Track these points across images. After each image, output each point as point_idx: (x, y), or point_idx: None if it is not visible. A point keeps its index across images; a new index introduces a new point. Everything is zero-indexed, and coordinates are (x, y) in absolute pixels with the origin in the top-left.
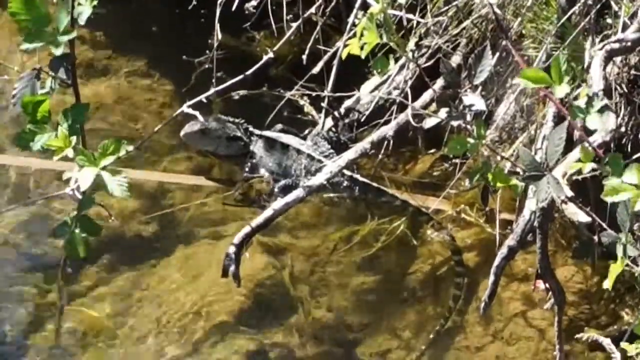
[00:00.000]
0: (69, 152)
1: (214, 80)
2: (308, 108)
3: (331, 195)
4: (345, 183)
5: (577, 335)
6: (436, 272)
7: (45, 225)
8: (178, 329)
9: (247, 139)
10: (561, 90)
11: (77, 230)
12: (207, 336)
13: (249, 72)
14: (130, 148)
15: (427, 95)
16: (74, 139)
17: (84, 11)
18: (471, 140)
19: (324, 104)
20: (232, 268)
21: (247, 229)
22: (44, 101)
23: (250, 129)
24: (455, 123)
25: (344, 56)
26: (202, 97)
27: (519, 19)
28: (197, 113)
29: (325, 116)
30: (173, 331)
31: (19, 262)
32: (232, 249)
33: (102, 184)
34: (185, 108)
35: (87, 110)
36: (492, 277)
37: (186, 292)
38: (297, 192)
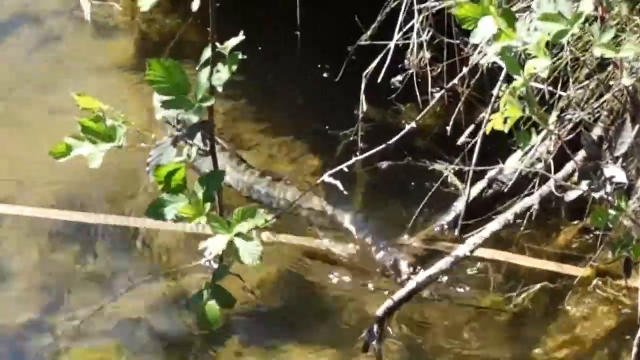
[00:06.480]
0: (202, 219)
1: (358, 152)
2: (452, 178)
3: None
4: None
5: None
6: None
7: (178, 299)
8: None
9: None
10: None
11: (210, 301)
12: None
13: (391, 141)
14: (270, 217)
15: (569, 167)
16: (207, 205)
17: (222, 76)
18: (612, 212)
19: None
20: (374, 342)
21: (389, 303)
22: (179, 169)
23: None
24: (596, 195)
25: (487, 131)
26: (344, 166)
27: None
28: (337, 182)
29: (470, 187)
30: None
31: (151, 338)
32: (373, 323)
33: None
34: (326, 177)
35: (224, 177)
36: (635, 349)
37: None
38: (440, 264)
